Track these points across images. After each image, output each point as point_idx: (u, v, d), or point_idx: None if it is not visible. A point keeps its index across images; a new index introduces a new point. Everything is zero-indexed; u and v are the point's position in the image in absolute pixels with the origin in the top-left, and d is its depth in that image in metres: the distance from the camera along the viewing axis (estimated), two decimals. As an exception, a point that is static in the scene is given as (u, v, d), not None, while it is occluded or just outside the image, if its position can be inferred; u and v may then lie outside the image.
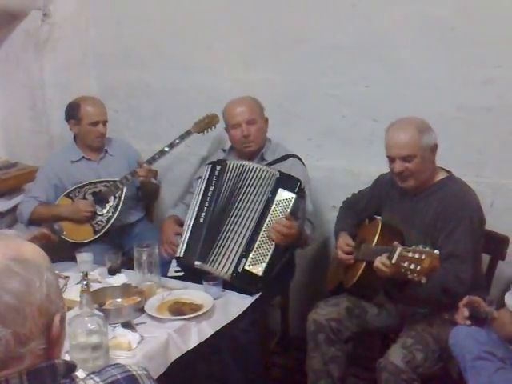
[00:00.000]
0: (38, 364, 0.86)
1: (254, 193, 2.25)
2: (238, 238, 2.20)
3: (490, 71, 2.28)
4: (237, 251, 2.17)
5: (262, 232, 2.16)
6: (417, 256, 1.71)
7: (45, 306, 0.88)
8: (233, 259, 2.17)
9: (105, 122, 2.71)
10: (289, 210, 2.16)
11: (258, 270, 2.12)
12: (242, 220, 2.22)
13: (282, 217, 2.15)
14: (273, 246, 2.14)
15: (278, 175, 2.23)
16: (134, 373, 0.95)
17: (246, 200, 2.25)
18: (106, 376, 0.92)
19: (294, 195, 2.18)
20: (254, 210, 2.21)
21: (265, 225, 2.17)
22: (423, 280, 1.70)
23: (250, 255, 2.15)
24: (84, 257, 2.23)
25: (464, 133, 2.38)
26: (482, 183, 2.32)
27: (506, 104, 2.27)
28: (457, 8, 2.29)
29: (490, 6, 2.24)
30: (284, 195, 2.19)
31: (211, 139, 2.93)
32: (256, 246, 2.15)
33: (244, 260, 2.14)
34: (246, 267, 2.14)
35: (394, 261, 1.78)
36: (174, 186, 3.03)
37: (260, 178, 2.26)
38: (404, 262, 1.73)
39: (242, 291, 2.11)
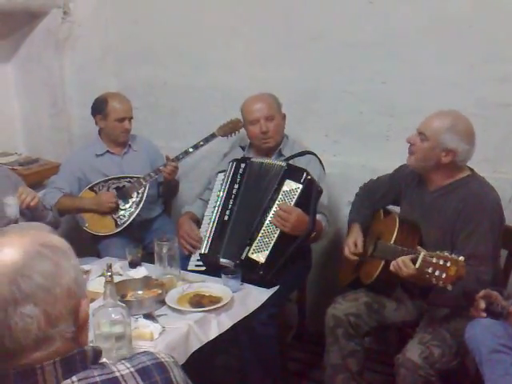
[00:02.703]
0: (70, 351, 0.90)
1: (265, 186, 2.29)
2: (247, 230, 2.24)
3: (508, 68, 2.28)
4: (243, 241, 2.22)
5: (266, 221, 2.21)
6: (441, 262, 1.68)
7: (73, 289, 0.91)
8: (239, 248, 2.21)
9: (130, 119, 2.77)
10: (294, 200, 2.20)
11: (260, 257, 2.17)
12: (255, 213, 2.26)
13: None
14: (276, 234, 2.18)
15: (285, 167, 2.28)
16: (163, 360, 0.98)
17: (261, 195, 2.29)
18: (136, 362, 0.95)
19: (300, 185, 2.22)
20: (263, 201, 2.26)
21: (270, 214, 2.21)
22: (449, 287, 1.68)
23: (254, 243, 2.20)
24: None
25: (481, 129, 2.35)
26: (500, 179, 2.32)
27: (524, 100, 2.28)
28: (474, 5, 2.30)
29: (508, 2, 2.24)
30: (291, 185, 2.23)
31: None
32: (260, 234, 2.20)
33: (248, 248, 2.20)
34: (249, 255, 2.18)
35: (417, 265, 1.76)
36: (192, 182, 3.07)
37: (272, 172, 2.30)
38: (428, 268, 1.71)
39: (258, 284, 2.12)
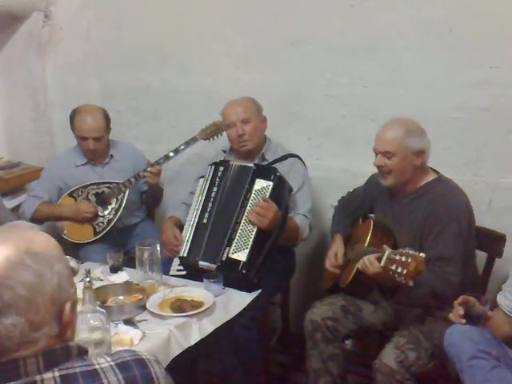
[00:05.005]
0: (53, 346, 0.92)
1: (239, 188, 2.29)
2: (224, 232, 2.25)
3: (488, 72, 2.30)
4: (222, 243, 2.23)
5: (242, 220, 2.22)
6: (403, 259, 1.74)
7: (56, 295, 0.93)
8: (219, 251, 2.22)
9: (98, 139, 2.64)
10: (267, 197, 2.21)
11: (241, 256, 2.17)
12: (231, 215, 2.27)
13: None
14: (254, 232, 2.19)
15: (254, 167, 2.30)
16: (144, 357, 1.00)
17: (236, 197, 2.30)
18: (117, 357, 0.99)
19: (270, 183, 2.24)
20: (235, 202, 2.27)
21: (245, 213, 2.22)
22: (410, 283, 1.73)
23: (233, 243, 2.20)
24: None
25: (462, 133, 2.40)
26: (480, 182, 2.35)
27: (503, 104, 2.30)
28: (454, 10, 2.32)
29: (487, 7, 2.26)
30: (261, 184, 2.25)
31: (214, 140, 2.95)
32: (238, 234, 2.21)
33: (228, 249, 2.20)
34: (230, 255, 2.19)
35: (382, 263, 1.81)
36: (176, 186, 3.05)
37: (243, 174, 2.31)
38: (392, 265, 1.76)
39: (240, 287, 2.11)
